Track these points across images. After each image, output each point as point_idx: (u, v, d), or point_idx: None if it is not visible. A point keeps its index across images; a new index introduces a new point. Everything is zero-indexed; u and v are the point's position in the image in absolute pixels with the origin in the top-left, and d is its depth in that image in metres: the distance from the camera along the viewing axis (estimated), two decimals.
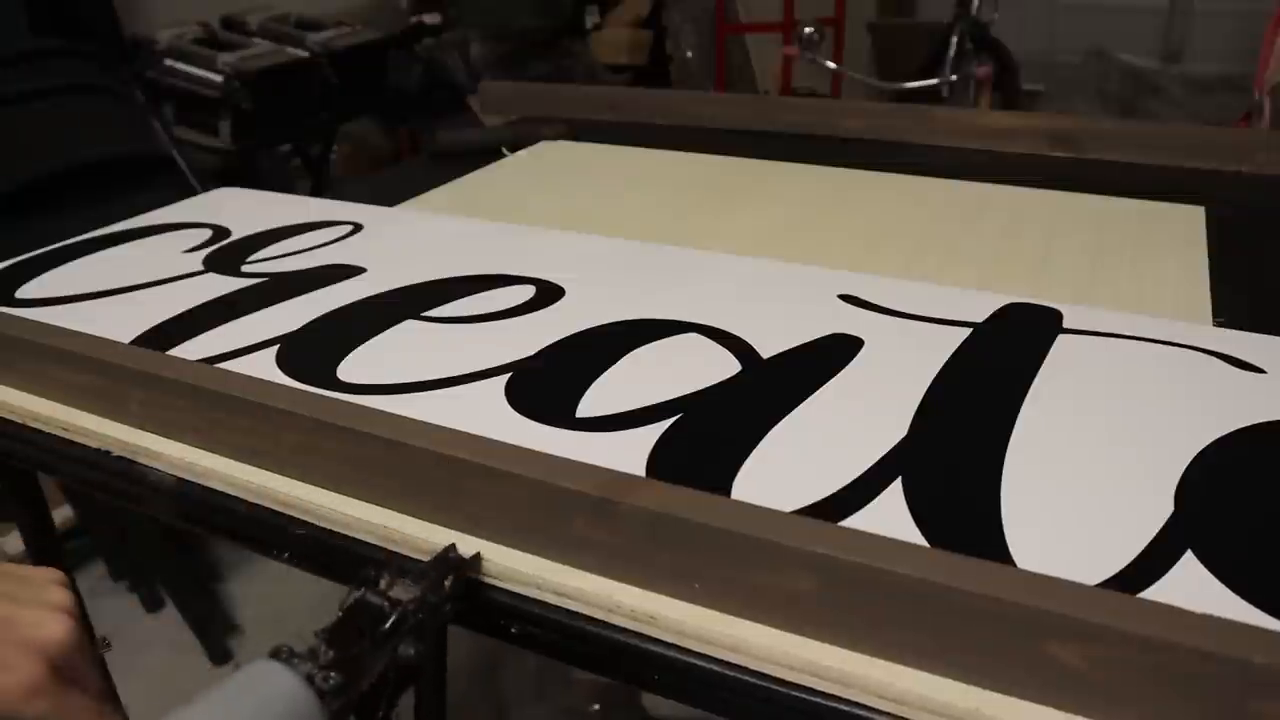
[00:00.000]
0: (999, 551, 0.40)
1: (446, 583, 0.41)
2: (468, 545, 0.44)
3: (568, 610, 0.42)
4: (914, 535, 0.41)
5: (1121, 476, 0.45)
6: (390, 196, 0.92)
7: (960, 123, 1.05)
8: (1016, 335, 0.58)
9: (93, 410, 0.56)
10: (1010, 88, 2.77)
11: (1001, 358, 0.56)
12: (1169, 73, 3.43)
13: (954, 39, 2.62)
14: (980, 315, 0.60)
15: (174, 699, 0.34)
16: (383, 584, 0.40)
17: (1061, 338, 0.57)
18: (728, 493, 0.44)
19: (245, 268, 0.73)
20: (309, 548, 0.48)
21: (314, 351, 0.59)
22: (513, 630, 0.43)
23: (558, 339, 0.60)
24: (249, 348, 0.60)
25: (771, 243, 0.79)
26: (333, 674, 0.35)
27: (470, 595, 0.44)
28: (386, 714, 0.39)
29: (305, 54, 2.23)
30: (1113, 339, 0.57)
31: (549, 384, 0.55)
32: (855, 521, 0.42)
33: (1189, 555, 0.39)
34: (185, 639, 1.49)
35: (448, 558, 0.43)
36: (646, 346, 0.58)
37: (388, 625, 0.38)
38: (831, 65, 2.61)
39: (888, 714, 0.36)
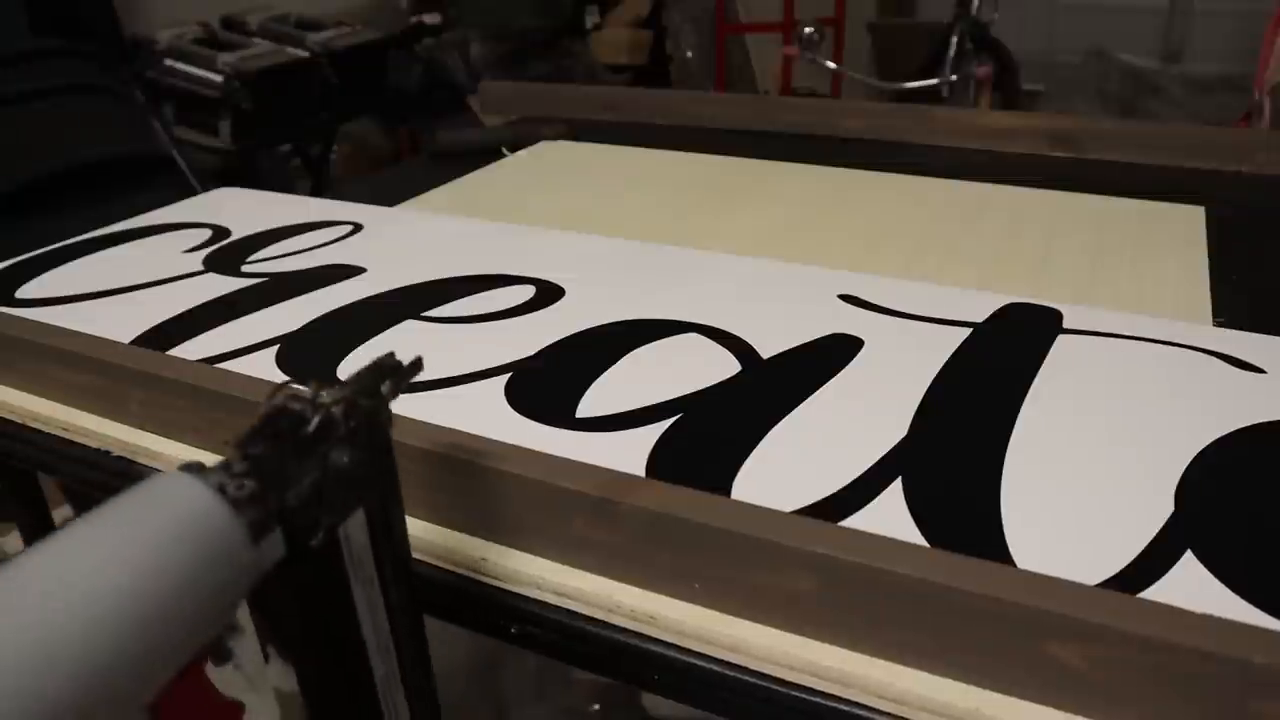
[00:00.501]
0: (999, 551, 0.40)
1: (383, 387, 0.37)
2: (468, 545, 0.44)
3: (568, 610, 0.42)
4: (914, 535, 0.41)
5: (1121, 476, 0.45)
6: (390, 196, 0.92)
7: (960, 123, 1.05)
8: (1016, 335, 0.58)
9: (93, 410, 0.56)
10: (1010, 88, 2.78)
11: (1001, 358, 0.56)
12: (1169, 73, 3.44)
13: (954, 39, 2.63)
14: (980, 315, 0.60)
15: None
16: (307, 389, 0.35)
17: (1061, 338, 0.57)
18: (728, 493, 0.44)
19: (245, 268, 0.73)
20: None
21: (314, 351, 0.59)
22: (513, 630, 0.43)
23: (558, 339, 0.60)
24: (249, 348, 0.60)
25: (771, 243, 0.79)
26: (246, 481, 0.31)
27: (468, 590, 0.44)
28: (330, 532, 0.35)
29: (305, 54, 2.24)
30: (1113, 339, 0.57)
31: (549, 384, 0.55)
32: (855, 521, 0.42)
33: (1189, 555, 0.39)
34: None
35: (382, 362, 0.38)
36: (646, 346, 0.59)
37: (310, 429, 0.33)
38: (831, 65, 2.61)
39: (888, 714, 0.36)
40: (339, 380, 0.36)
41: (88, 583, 0.26)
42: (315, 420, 0.34)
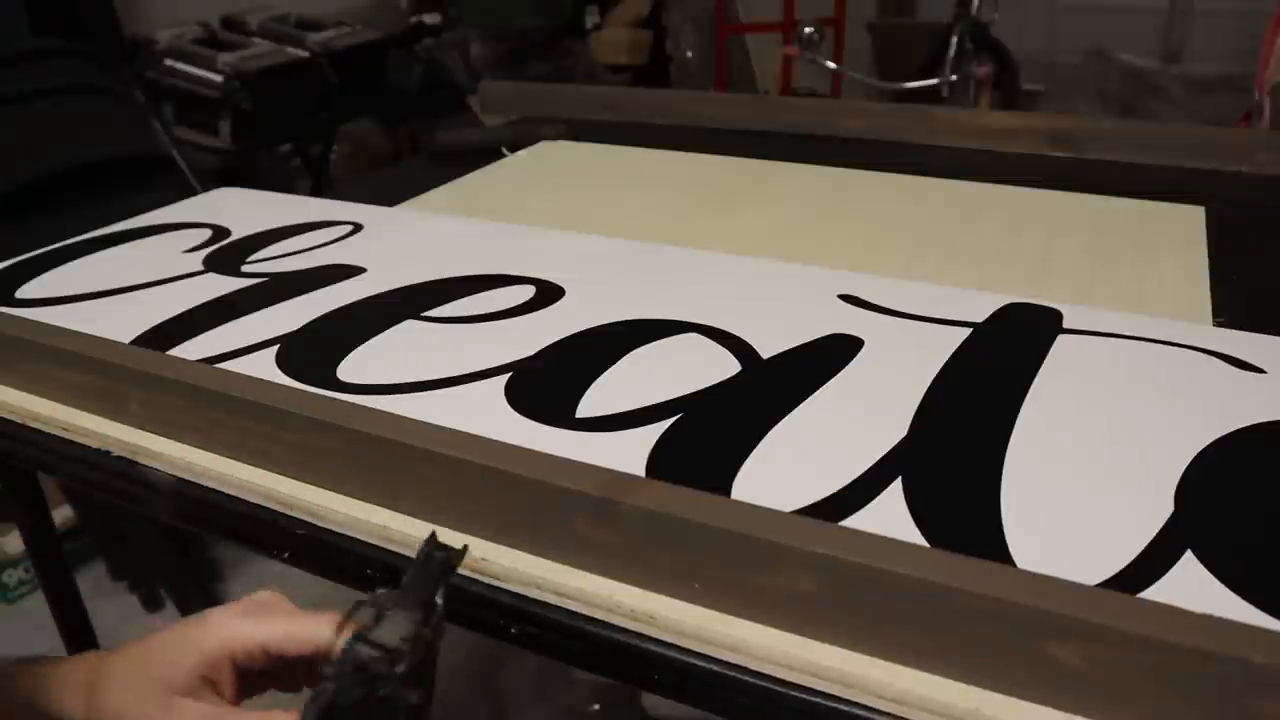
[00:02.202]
0: (999, 551, 0.40)
1: (439, 600, 0.36)
2: (470, 546, 0.44)
3: (568, 610, 0.42)
4: (914, 535, 0.41)
5: (1121, 476, 0.45)
6: (390, 196, 0.92)
7: (960, 123, 1.05)
8: (1016, 335, 0.58)
9: (93, 410, 0.56)
10: (1010, 88, 2.78)
11: (1001, 358, 0.56)
12: (1169, 73, 3.43)
13: (954, 39, 2.63)
14: (980, 315, 0.60)
15: None
16: (367, 625, 0.35)
17: (1061, 338, 0.57)
18: (728, 493, 0.44)
19: (245, 268, 0.73)
20: (309, 548, 0.48)
21: (314, 351, 0.59)
22: (513, 630, 0.43)
23: (558, 339, 0.60)
24: (249, 348, 0.60)
25: (771, 243, 0.79)
26: None
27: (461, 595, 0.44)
28: None
29: (305, 54, 2.23)
30: (1113, 339, 0.57)
31: (549, 384, 0.55)
32: (855, 521, 0.42)
33: (1189, 555, 0.39)
34: None
35: (431, 562, 0.37)
36: (646, 346, 0.58)
37: (390, 689, 0.33)
38: (831, 65, 2.61)
39: (888, 714, 0.36)
40: (398, 602, 0.35)
41: None
42: (397, 676, 0.33)
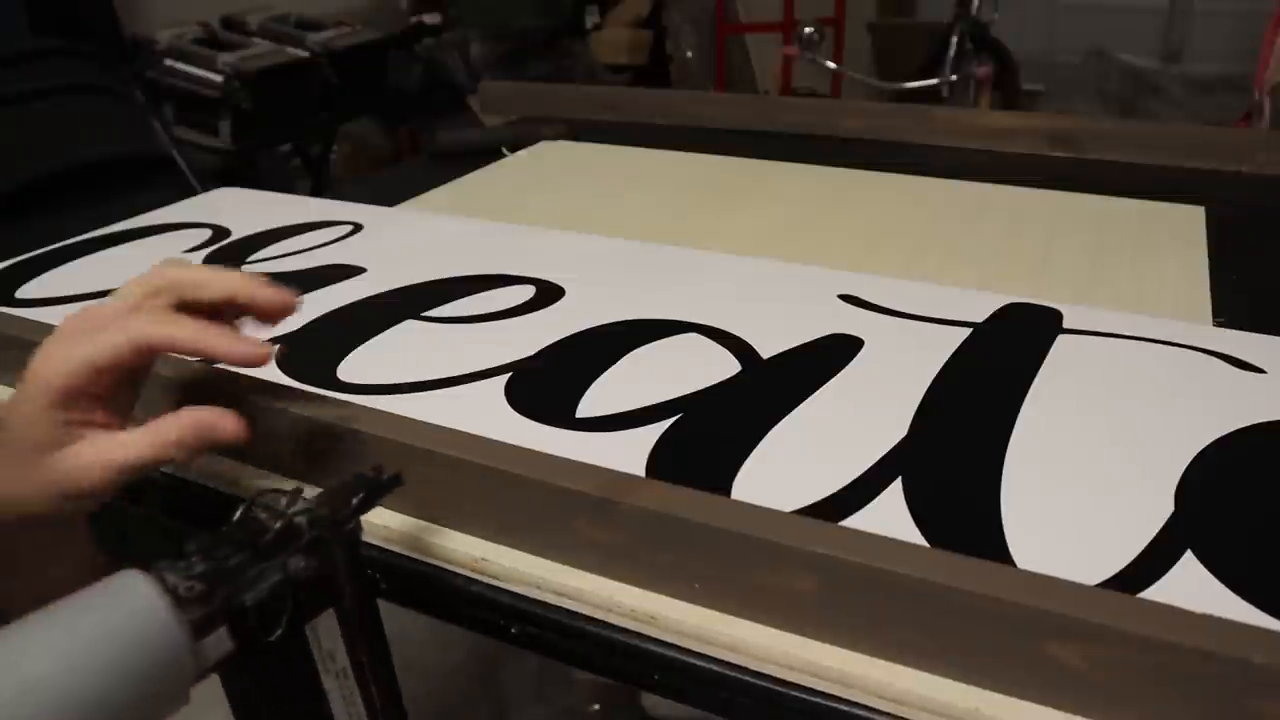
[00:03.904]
0: (999, 551, 0.40)
1: (354, 499, 0.39)
2: (468, 544, 0.44)
3: (568, 610, 0.42)
4: (914, 535, 0.41)
5: (1121, 476, 0.45)
6: (390, 196, 0.92)
7: (960, 123, 1.05)
8: (1016, 335, 0.58)
9: None
10: (1010, 88, 2.78)
11: (1001, 358, 0.56)
12: (1169, 73, 3.44)
13: (954, 39, 2.63)
14: (980, 315, 0.60)
15: None
16: (281, 503, 0.38)
17: (1061, 338, 0.57)
18: (728, 493, 0.44)
19: (245, 268, 0.73)
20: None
21: (314, 351, 0.59)
22: (513, 630, 0.43)
23: (558, 339, 0.60)
24: None
25: (771, 243, 0.79)
26: (195, 583, 0.33)
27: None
28: (293, 628, 0.37)
29: (305, 54, 2.24)
30: (1113, 339, 0.57)
31: (549, 384, 0.55)
32: (855, 521, 0.42)
33: (1189, 555, 0.39)
34: None
35: (362, 476, 0.41)
36: (646, 346, 0.58)
37: (270, 536, 0.36)
38: (831, 65, 2.61)
39: (888, 714, 0.36)
40: (312, 490, 0.38)
41: (23, 672, 0.29)
42: (276, 528, 0.36)
